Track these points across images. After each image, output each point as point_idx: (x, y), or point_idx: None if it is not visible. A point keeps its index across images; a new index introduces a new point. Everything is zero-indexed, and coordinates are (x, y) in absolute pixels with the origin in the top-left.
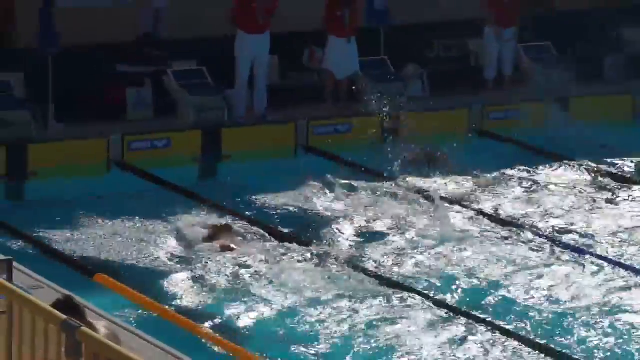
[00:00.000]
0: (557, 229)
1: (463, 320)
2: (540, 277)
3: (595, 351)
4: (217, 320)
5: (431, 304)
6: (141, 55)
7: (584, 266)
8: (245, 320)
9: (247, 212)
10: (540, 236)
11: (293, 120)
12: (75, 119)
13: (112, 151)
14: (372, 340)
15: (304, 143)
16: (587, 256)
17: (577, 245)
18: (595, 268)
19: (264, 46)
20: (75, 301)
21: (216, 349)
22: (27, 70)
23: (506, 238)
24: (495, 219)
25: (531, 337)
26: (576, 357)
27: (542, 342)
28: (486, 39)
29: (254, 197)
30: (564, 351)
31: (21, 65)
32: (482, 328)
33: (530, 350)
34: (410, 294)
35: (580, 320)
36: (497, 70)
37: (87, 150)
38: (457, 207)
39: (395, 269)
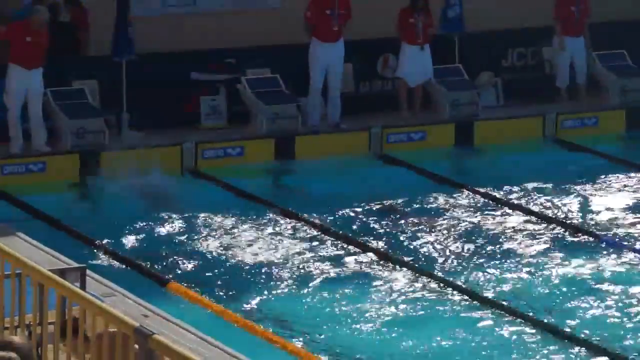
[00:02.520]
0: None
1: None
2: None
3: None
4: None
5: None
6: (215, 63)
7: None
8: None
9: (321, 220)
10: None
11: (367, 128)
12: (149, 127)
13: (185, 159)
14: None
15: (377, 151)
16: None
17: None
18: None
19: (338, 54)
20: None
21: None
22: (101, 78)
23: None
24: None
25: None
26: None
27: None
28: (557, 48)
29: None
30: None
31: (95, 73)
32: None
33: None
34: None
35: None
36: (571, 79)
37: (160, 158)
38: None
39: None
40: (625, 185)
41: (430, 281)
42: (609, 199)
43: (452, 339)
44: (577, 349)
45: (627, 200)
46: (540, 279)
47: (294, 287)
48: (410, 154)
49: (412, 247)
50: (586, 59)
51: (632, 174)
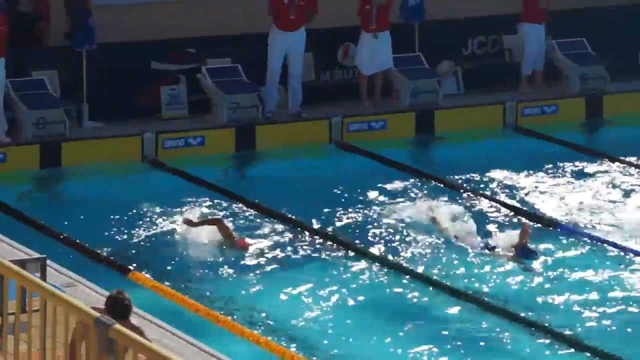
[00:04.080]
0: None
1: None
2: None
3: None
4: (251, 315)
5: None
6: (176, 52)
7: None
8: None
9: (282, 209)
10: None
11: (328, 118)
12: (110, 117)
13: (146, 149)
14: None
15: (338, 140)
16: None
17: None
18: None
19: (298, 43)
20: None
21: (248, 343)
22: (61, 69)
23: None
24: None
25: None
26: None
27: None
28: (525, 35)
29: (287, 193)
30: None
31: (55, 63)
32: None
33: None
34: None
35: None
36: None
37: (120, 148)
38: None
39: None
40: (584, 173)
41: (390, 269)
42: (568, 187)
43: (414, 327)
44: (533, 333)
45: (586, 188)
46: (500, 265)
47: (256, 276)
48: (371, 142)
49: (372, 235)
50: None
51: (592, 162)
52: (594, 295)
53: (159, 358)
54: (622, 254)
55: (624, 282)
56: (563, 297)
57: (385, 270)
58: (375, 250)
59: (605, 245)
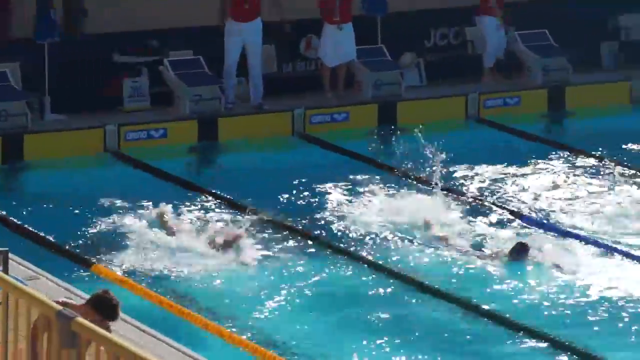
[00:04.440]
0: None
1: None
2: None
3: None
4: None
5: None
6: (137, 45)
7: None
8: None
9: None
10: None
11: (290, 110)
12: (72, 109)
13: (108, 141)
14: None
15: (301, 132)
16: None
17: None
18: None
19: (254, 34)
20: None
21: (211, 336)
22: (23, 61)
23: None
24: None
25: None
26: None
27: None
28: (484, 27)
29: (250, 184)
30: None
31: (17, 56)
32: None
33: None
34: None
35: None
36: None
37: (82, 140)
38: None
39: None
40: (547, 165)
41: (348, 259)
42: (531, 178)
43: (376, 318)
44: (491, 324)
45: (548, 179)
46: (464, 256)
47: (219, 267)
48: (334, 134)
49: (334, 226)
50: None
51: (554, 153)
52: (555, 284)
53: (123, 352)
54: (583, 243)
55: (586, 273)
56: (524, 286)
57: (348, 262)
58: (338, 242)
59: (568, 237)
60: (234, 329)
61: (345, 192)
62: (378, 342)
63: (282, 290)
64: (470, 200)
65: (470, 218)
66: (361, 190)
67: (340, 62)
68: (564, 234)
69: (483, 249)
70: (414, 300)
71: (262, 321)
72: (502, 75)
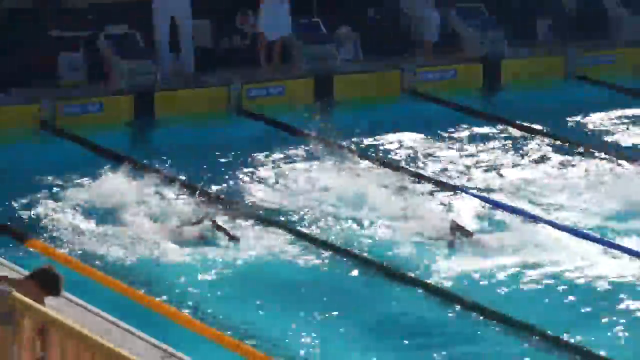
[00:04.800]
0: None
1: None
2: None
3: None
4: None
5: None
6: (74, 19)
7: None
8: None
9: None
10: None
11: (226, 84)
12: (8, 84)
13: (45, 116)
14: None
15: (237, 106)
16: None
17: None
18: None
19: (181, 5)
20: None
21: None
22: None
23: None
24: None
25: None
26: None
27: None
28: (420, 1)
29: (187, 159)
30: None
31: None
32: None
33: None
34: None
35: None
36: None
37: (19, 115)
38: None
39: None
40: (482, 137)
41: (287, 233)
42: (462, 150)
43: (316, 292)
44: (420, 291)
45: (478, 151)
46: (395, 228)
47: (153, 243)
48: (270, 108)
49: (272, 200)
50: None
51: (490, 126)
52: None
53: (58, 326)
54: (515, 216)
55: (519, 245)
56: (451, 256)
57: (291, 238)
58: (276, 216)
59: (503, 209)
60: (187, 312)
61: (282, 166)
62: (315, 316)
63: (219, 266)
64: (406, 173)
65: (405, 191)
66: (299, 164)
67: (276, 36)
68: (500, 205)
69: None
70: (353, 273)
71: (195, 296)
72: (439, 50)
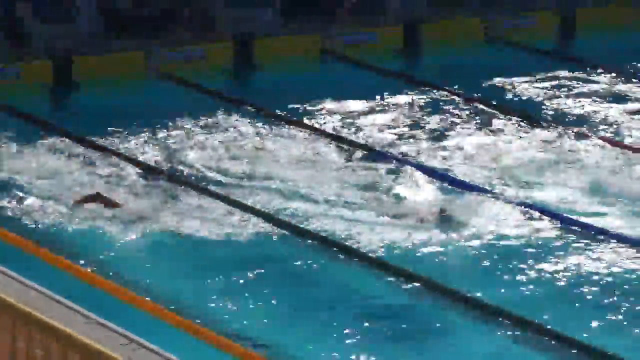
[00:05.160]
0: None
1: None
2: None
3: None
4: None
5: None
6: None
7: None
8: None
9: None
10: None
11: (145, 47)
12: None
13: None
14: None
15: (156, 70)
16: None
17: None
18: None
19: None
20: None
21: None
22: None
23: None
24: None
25: None
26: None
27: None
28: None
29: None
30: None
31: None
32: None
33: None
34: None
35: None
36: None
37: None
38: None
39: None
40: (403, 101)
41: (211, 199)
42: (386, 115)
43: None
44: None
45: (403, 116)
46: (322, 194)
47: (71, 213)
48: (190, 72)
49: (196, 166)
50: None
51: (411, 90)
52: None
53: None
54: (444, 184)
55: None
56: (379, 218)
57: (219, 203)
58: (200, 182)
59: (432, 175)
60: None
61: (205, 132)
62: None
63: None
64: (335, 139)
65: (314, 152)
66: (219, 129)
67: None
68: (420, 168)
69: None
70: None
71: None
72: (359, 12)
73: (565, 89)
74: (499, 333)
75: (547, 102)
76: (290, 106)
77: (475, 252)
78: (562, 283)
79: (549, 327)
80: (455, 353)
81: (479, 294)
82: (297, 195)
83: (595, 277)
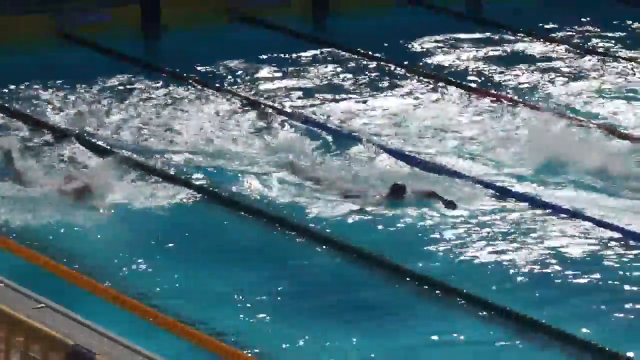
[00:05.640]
0: None
1: None
2: None
3: None
4: None
5: None
6: None
7: None
8: None
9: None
10: None
11: (53, 9)
12: None
13: None
14: None
15: (64, 32)
16: None
17: None
18: None
19: None
20: None
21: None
22: None
23: None
24: None
25: None
26: None
27: None
28: None
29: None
30: None
31: None
32: None
33: None
34: None
35: None
36: None
37: None
38: None
39: None
40: (313, 61)
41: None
42: (299, 77)
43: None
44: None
45: (316, 77)
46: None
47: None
48: (99, 35)
49: (106, 128)
50: None
51: (316, 49)
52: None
53: None
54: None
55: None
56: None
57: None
58: (113, 147)
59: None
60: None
61: (116, 96)
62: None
63: None
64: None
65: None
66: (131, 93)
67: None
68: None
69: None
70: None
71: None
72: None
73: (474, 51)
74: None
75: (457, 63)
76: (199, 68)
77: None
78: (493, 253)
79: (478, 295)
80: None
81: None
82: (208, 159)
83: (531, 247)
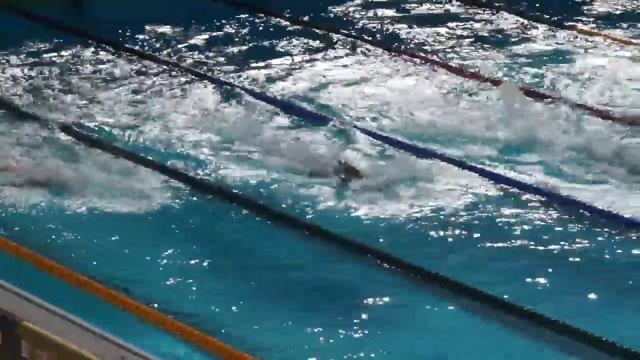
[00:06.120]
0: None
1: None
2: None
3: None
4: None
5: None
6: None
7: None
8: None
9: None
10: None
11: None
12: None
13: None
14: None
15: None
16: None
17: None
18: None
19: None
20: None
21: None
22: None
23: None
24: None
25: None
26: None
27: None
28: None
29: None
30: None
31: None
32: None
33: None
34: None
35: None
36: None
37: None
38: None
39: None
40: (246, 28)
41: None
42: (232, 45)
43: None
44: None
45: (246, 45)
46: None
47: None
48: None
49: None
50: None
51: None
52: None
53: None
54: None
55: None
56: None
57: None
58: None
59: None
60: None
61: (37, 61)
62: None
63: None
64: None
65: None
66: (53, 59)
67: None
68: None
69: None
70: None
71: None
72: None
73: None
74: None
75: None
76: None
77: None
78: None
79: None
80: None
81: None
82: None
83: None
